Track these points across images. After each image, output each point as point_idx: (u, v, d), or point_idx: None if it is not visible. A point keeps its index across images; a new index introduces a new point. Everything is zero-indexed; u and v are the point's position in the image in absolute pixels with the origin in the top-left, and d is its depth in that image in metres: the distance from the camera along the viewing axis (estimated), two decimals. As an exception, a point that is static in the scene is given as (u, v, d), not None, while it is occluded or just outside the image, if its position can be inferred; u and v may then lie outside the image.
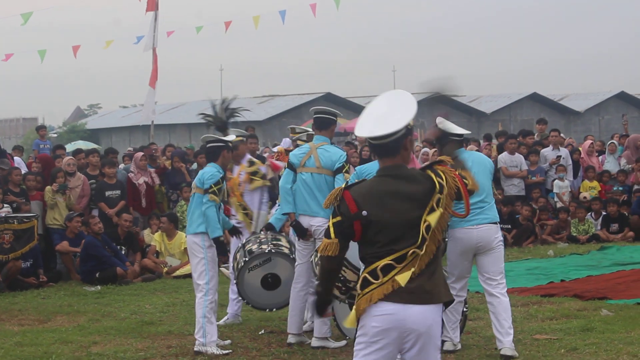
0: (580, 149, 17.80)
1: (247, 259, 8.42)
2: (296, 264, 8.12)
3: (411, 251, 4.11)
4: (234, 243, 8.97)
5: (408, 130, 4.21)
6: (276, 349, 7.85)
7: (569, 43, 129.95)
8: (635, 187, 16.21)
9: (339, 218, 4.21)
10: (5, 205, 12.29)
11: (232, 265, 8.90)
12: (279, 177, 8.91)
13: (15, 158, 15.13)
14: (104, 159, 14.32)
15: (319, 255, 4.43)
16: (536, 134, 17.60)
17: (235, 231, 8.57)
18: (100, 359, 7.63)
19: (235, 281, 8.57)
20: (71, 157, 14.35)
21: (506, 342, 7.32)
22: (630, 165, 16.73)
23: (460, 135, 7.66)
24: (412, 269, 4.09)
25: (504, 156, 15.97)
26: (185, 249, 9.13)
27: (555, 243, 15.15)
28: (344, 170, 7.83)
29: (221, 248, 8.02)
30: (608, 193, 16.46)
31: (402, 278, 4.08)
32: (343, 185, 4.29)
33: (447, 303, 4.24)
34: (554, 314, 8.96)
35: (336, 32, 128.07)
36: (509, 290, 7.72)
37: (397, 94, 4.30)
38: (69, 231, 12.63)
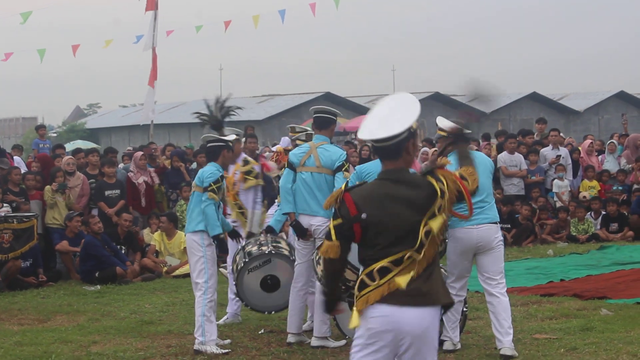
0: (579, 148, 17.81)
1: (246, 260, 8.42)
2: (296, 263, 8.12)
3: (408, 254, 4.11)
4: (233, 246, 8.96)
5: (411, 133, 4.20)
6: (276, 349, 7.84)
7: (569, 43, 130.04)
8: (635, 186, 16.21)
9: (339, 220, 4.22)
10: (4, 204, 12.29)
11: (231, 267, 8.89)
12: (278, 177, 8.91)
13: (14, 157, 15.13)
14: (104, 159, 14.33)
15: (321, 257, 4.42)
16: (536, 134, 17.60)
17: (235, 234, 8.54)
18: (100, 359, 7.63)
19: (234, 282, 8.57)
20: (71, 156, 14.35)
21: (506, 342, 7.32)
22: (630, 165, 16.74)
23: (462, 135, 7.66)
24: (412, 272, 4.08)
25: (503, 156, 15.97)
26: (185, 248, 9.13)
27: (554, 242, 15.15)
28: (343, 169, 7.83)
29: (222, 246, 8.02)
30: (608, 192, 16.47)
31: (402, 280, 4.07)
32: (343, 187, 4.29)
33: (447, 306, 4.22)
34: (554, 313, 8.97)
35: (336, 32, 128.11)
36: (508, 289, 7.72)
37: (400, 97, 4.30)
38: (69, 231, 12.63)
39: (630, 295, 9.79)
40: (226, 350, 7.73)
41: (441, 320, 7.50)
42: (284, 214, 8.13)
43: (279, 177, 9.11)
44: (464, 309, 7.79)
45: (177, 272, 12.49)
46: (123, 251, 12.73)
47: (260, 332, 8.53)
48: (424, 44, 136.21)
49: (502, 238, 7.62)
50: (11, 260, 11.56)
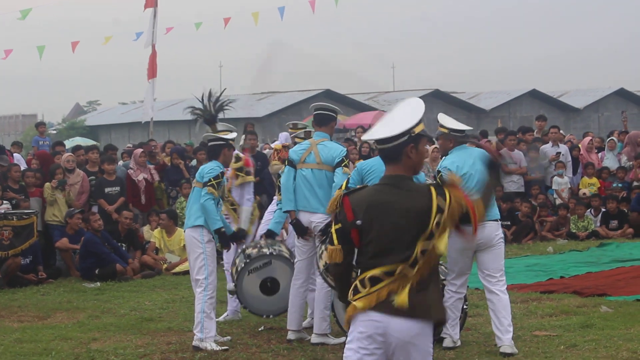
0: (579, 145, 17.80)
1: (247, 261, 8.42)
2: (296, 260, 8.12)
3: (400, 268, 4.05)
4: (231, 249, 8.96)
5: (411, 137, 4.13)
6: (276, 346, 7.84)
7: (569, 40, 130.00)
8: (635, 183, 16.22)
9: (339, 225, 4.22)
10: (4, 201, 12.29)
11: (230, 271, 8.86)
12: (279, 175, 8.89)
13: (14, 155, 15.14)
14: (103, 156, 14.32)
15: (328, 263, 4.42)
16: (536, 131, 17.60)
17: (235, 237, 8.52)
18: (100, 356, 7.63)
19: (234, 284, 8.56)
20: (70, 153, 14.34)
21: (505, 340, 7.32)
22: (630, 162, 16.74)
23: (462, 132, 7.67)
24: (406, 288, 4.02)
25: (502, 153, 15.96)
26: (185, 245, 9.12)
27: (554, 240, 15.15)
28: (343, 165, 7.82)
29: (223, 240, 8.00)
30: (607, 190, 16.47)
31: (401, 300, 4.01)
32: (343, 187, 4.29)
33: (439, 323, 4.15)
34: (554, 310, 8.97)
35: (335, 29, 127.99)
36: (508, 286, 7.73)
37: (409, 102, 4.26)
38: (69, 228, 12.63)
39: (630, 292, 9.79)
40: (224, 347, 7.73)
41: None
42: (284, 211, 8.13)
43: (279, 175, 9.11)
44: (464, 307, 7.79)
45: (177, 269, 12.49)
46: (124, 248, 12.73)
47: (260, 329, 8.53)
48: (423, 42, 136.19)
49: (502, 235, 7.62)
50: (11, 258, 11.56)
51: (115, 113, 59.12)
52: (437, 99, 47.26)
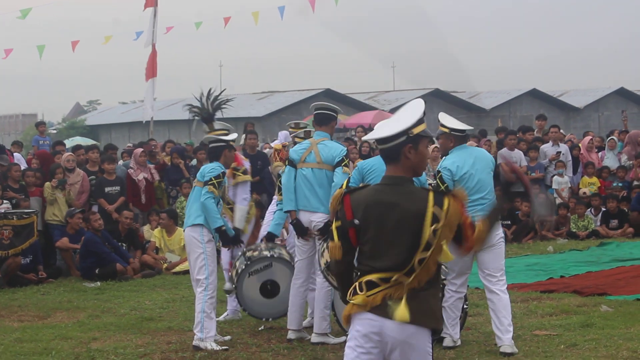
0: (580, 145, 17.80)
1: (248, 263, 8.42)
2: (296, 260, 8.12)
3: (396, 277, 4.03)
4: (226, 253, 8.97)
5: (410, 138, 4.10)
6: (276, 345, 7.84)
7: (569, 39, 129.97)
8: (635, 183, 16.22)
9: (339, 222, 4.22)
10: (4, 201, 12.29)
11: (230, 274, 8.86)
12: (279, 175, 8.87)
13: (14, 154, 15.14)
14: (104, 155, 14.32)
15: (329, 262, 4.43)
16: (536, 130, 17.60)
17: (236, 240, 8.53)
18: (100, 355, 7.63)
19: (234, 286, 8.55)
20: (70, 153, 14.34)
21: (505, 340, 7.31)
22: (630, 161, 16.74)
23: (463, 131, 7.66)
24: (404, 299, 3.99)
25: (503, 152, 15.96)
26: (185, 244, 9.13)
27: (554, 239, 15.15)
28: (343, 164, 7.81)
29: (224, 238, 8.00)
30: (608, 189, 16.47)
31: (401, 315, 3.98)
32: (344, 188, 4.29)
33: (434, 332, 4.11)
34: (554, 309, 8.97)
35: (335, 27, 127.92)
36: (508, 286, 7.72)
37: (412, 103, 4.26)
38: (70, 227, 12.63)
39: (630, 292, 9.79)
40: (224, 347, 7.73)
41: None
42: (285, 211, 8.12)
43: (279, 175, 9.11)
44: (465, 306, 7.79)
45: (177, 269, 12.49)
46: (124, 248, 12.73)
47: (260, 329, 8.52)
48: (423, 40, 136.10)
49: (502, 235, 7.62)
50: (11, 257, 11.56)
51: (116, 112, 59.10)
52: (437, 98, 47.24)
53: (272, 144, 14.10)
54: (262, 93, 54.03)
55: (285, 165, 8.18)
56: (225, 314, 9.10)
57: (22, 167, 13.57)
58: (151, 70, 19.13)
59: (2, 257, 11.54)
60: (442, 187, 7.41)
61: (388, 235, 4.07)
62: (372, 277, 4.08)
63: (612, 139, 17.79)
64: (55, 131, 50.64)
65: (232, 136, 8.52)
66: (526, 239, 15.13)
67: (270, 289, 8.47)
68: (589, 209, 15.85)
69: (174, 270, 12.54)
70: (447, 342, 7.50)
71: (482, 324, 8.39)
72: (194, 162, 15.34)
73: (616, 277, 10.92)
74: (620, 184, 16.51)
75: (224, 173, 8.07)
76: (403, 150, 4.12)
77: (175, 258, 12.85)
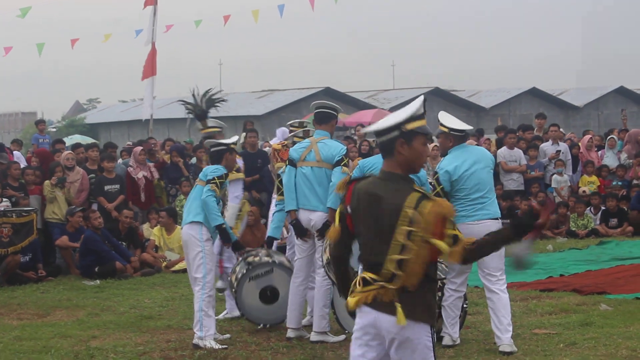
0: (579, 144, 17.80)
1: (249, 267, 8.42)
2: (295, 258, 8.12)
3: (381, 284, 4.04)
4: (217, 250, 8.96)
5: (402, 133, 4.09)
6: (275, 343, 7.84)
7: (569, 38, 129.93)
8: (634, 182, 16.22)
9: (341, 207, 4.27)
10: (4, 199, 12.29)
11: (230, 278, 8.85)
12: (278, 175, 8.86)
13: (14, 152, 15.13)
14: (103, 154, 14.33)
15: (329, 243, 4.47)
16: (535, 129, 17.60)
17: (237, 246, 8.50)
18: (100, 353, 7.62)
19: (233, 289, 8.54)
20: (70, 151, 14.34)
21: (505, 339, 7.31)
22: (630, 160, 16.74)
23: (462, 131, 7.64)
24: (396, 302, 4.00)
25: (503, 151, 15.98)
26: (183, 242, 9.12)
27: (554, 238, 15.15)
28: (342, 164, 7.81)
29: (224, 236, 8.00)
30: (607, 188, 16.47)
31: (399, 320, 3.98)
32: (349, 177, 4.32)
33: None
34: (553, 308, 8.97)
35: (335, 26, 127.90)
36: (508, 284, 7.71)
37: (414, 101, 4.28)
38: (70, 225, 12.63)
39: (630, 291, 9.79)
40: (224, 346, 7.73)
41: (440, 316, 7.52)
42: (287, 211, 8.11)
43: (278, 175, 9.10)
44: (464, 305, 7.78)
45: (177, 267, 12.49)
46: (124, 246, 12.72)
47: (259, 327, 8.52)
48: (423, 39, 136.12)
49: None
50: (10, 255, 11.56)
51: (115, 111, 59.05)
52: (437, 97, 47.22)
53: (271, 142, 14.11)
54: (262, 92, 53.99)
55: (286, 165, 8.18)
56: (224, 312, 9.09)
57: (22, 166, 13.57)
58: (150, 69, 19.13)
59: (1, 255, 11.54)
60: (438, 189, 7.42)
61: (373, 228, 4.10)
62: (366, 275, 4.11)
63: (611, 137, 17.79)
64: (54, 129, 50.61)
65: (233, 139, 8.53)
66: (525, 238, 15.07)
67: (269, 295, 8.47)
68: (589, 208, 15.86)
69: (173, 269, 12.54)
70: (446, 340, 7.49)
71: (481, 323, 8.39)
72: (194, 160, 15.35)
73: (615, 276, 10.92)
74: (619, 183, 16.51)
75: (226, 174, 8.09)
76: (396, 145, 4.12)
77: (175, 256, 12.85)
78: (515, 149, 15.99)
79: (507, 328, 7.34)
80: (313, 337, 7.88)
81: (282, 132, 12.26)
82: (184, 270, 11.70)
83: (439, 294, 7.49)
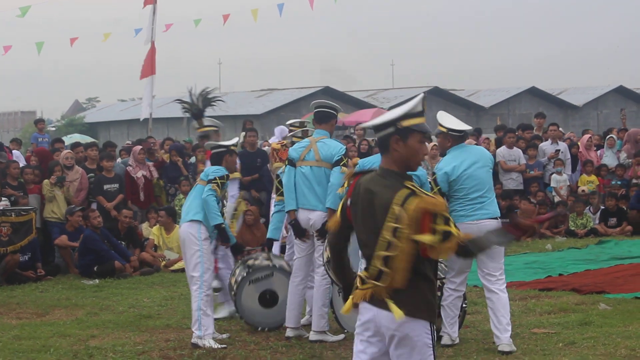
0: (579, 143, 17.80)
1: (249, 271, 8.41)
2: (295, 257, 8.12)
3: (372, 284, 4.05)
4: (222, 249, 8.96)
5: (398, 130, 4.08)
6: (274, 343, 7.84)
7: (569, 38, 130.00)
8: (634, 181, 16.22)
9: (345, 199, 4.28)
10: (3, 198, 12.29)
11: (229, 281, 8.85)
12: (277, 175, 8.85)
13: (13, 151, 15.12)
14: (102, 153, 14.32)
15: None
16: (535, 128, 17.60)
17: (237, 249, 8.50)
18: (98, 352, 7.62)
19: (233, 292, 8.54)
20: (69, 150, 14.34)
21: (504, 339, 7.31)
22: (629, 160, 16.74)
23: (461, 132, 7.63)
24: (389, 300, 4.01)
25: (502, 150, 15.97)
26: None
27: (553, 237, 15.15)
28: (341, 164, 7.80)
29: (222, 235, 8.00)
30: (606, 187, 16.47)
31: (397, 315, 4.00)
32: (353, 171, 4.32)
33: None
34: (552, 308, 8.97)
35: (334, 26, 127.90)
36: (507, 284, 7.72)
37: (413, 99, 4.29)
38: (69, 225, 12.63)
39: (629, 290, 9.79)
40: (223, 345, 7.73)
41: (439, 315, 7.52)
42: (287, 211, 8.10)
43: (277, 175, 9.10)
44: (464, 305, 7.78)
45: (176, 267, 12.49)
46: (123, 246, 12.72)
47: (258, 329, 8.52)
48: (423, 39, 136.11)
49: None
50: (9, 254, 11.56)
51: (114, 110, 59.07)
52: (436, 97, 47.24)
53: (270, 141, 14.11)
54: (261, 91, 54.01)
55: (285, 165, 8.17)
56: (224, 311, 9.08)
57: (21, 165, 13.56)
58: (150, 68, 19.12)
59: (0, 254, 11.54)
60: (435, 189, 7.42)
61: (367, 224, 4.10)
62: (362, 274, 4.14)
63: (611, 137, 17.79)
64: (54, 128, 50.62)
65: (233, 141, 8.54)
66: (525, 237, 15.11)
67: (269, 299, 8.46)
68: (588, 207, 15.86)
69: (172, 268, 12.54)
70: (445, 340, 7.49)
71: (480, 322, 8.39)
72: (193, 159, 15.34)
73: (615, 275, 10.92)
74: (619, 182, 16.52)
75: (227, 176, 8.09)
76: (390, 142, 4.10)
77: (174, 256, 12.85)
78: (515, 148, 15.99)
79: (506, 328, 7.34)
80: (312, 336, 7.87)
81: (280, 131, 12.24)
82: (183, 270, 11.66)
83: (438, 293, 7.49)
